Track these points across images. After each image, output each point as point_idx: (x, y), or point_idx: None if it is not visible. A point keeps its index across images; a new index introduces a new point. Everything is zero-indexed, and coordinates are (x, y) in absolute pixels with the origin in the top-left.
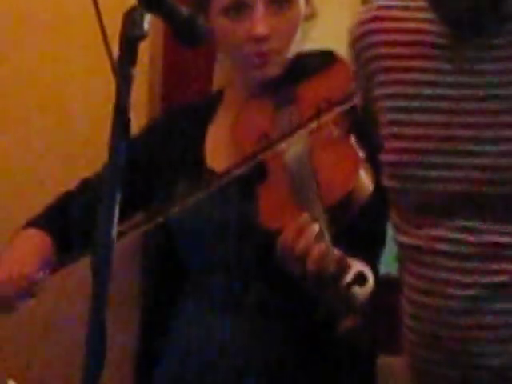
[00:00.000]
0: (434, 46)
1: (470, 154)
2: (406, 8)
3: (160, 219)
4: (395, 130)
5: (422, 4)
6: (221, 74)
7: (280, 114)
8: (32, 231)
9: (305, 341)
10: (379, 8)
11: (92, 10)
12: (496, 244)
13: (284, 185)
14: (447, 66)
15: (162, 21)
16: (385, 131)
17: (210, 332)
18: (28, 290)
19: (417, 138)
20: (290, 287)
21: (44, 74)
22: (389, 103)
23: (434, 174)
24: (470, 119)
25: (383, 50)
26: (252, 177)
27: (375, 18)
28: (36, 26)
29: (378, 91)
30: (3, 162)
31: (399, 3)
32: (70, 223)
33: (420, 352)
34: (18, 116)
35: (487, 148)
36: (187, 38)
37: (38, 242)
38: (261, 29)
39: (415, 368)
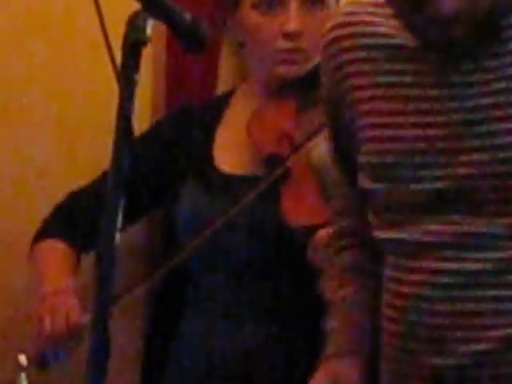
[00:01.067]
0: (404, 48)
1: (457, 151)
2: (375, 14)
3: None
4: (377, 132)
5: (390, 11)
6: (224, 79)
7: (305, 115)
8: (58, 251)
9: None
10: (348, 13)
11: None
12: (474, 234)
13: (311, 185)
14: (425, 67)
15: (165, 26)
16: (365, 133)
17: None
18: (79, 335)
19: (400, 139)
20: (306, 285)
21: (49, 73)
22: (367, 106)
23: (422, 173)
24: (455, 116)
25: (360, 54)
26: (277, 178)
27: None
28: (42, 29)
29: (354, 95)
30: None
31: (367, 9)
32: (85, 227)
33: (396, 341)
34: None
35: (475, 143)
36: (190, 44)
37: (65, 257)
38: (294, 25)
39: (391, 358)
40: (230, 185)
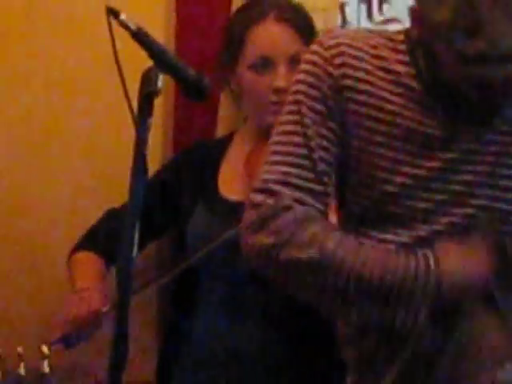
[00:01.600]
0: (413, 90)
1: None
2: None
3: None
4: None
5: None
6: (223, 125)
7: None
8: (89, 260)
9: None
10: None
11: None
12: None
13: None
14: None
15: (171, 80)
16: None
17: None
18: (98, 320)
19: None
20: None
21: (76, 125)
22: (381, 150)
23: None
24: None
25: (365, 76)
26: None
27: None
28: (71, 89)
29: (353, 109)
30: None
31: (378, 40)
32: (113, 243)
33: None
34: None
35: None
36: (194, 94)
37: (95, 265)
38: (282, 82)
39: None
40: (231, 209)
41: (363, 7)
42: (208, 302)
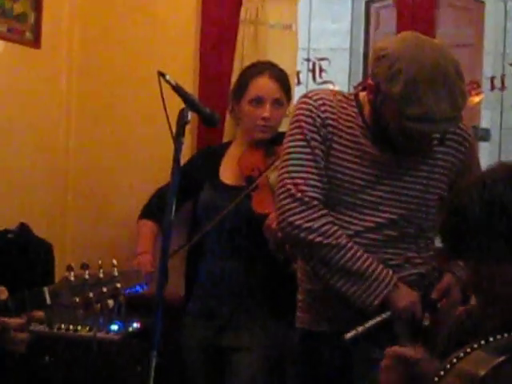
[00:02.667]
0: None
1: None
2: (347, 106)
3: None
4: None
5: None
6: (225, 137)
7: (268, 157)
8: (146, 224)
9: (268, 273)
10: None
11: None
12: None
13: (268, 192)
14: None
15: (196, 114)
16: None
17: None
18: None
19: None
20: (263, 243)
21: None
22: (338, 161)
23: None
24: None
25: (339, 126)
26: (250, 188)
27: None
28: (130, 119)
29: (332, 144)
30: None
31: (342, 104)
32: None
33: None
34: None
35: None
36: (209, 123)
37: (151, 230)
38: (267, 114)
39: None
40: (227, 189)
41: (310, 74)
42: (208, 251)
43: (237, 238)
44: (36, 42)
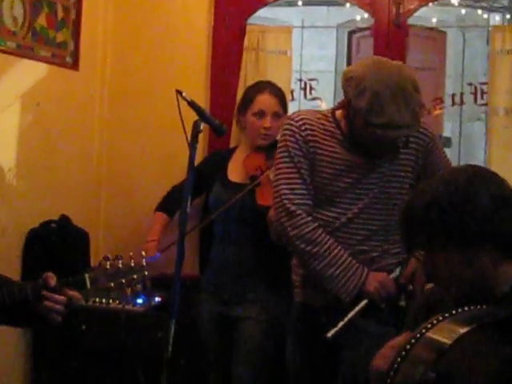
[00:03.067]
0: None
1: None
2: (324, 122)
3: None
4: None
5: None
6: (232, 142)
7: (268, 159)
8: (160, 215)
9: (268, 256)
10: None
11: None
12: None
13: (269, 188)
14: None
15: (207, 125)
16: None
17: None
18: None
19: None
20: (264, 230)
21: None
22: (323, 164)
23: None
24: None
25: (318, 139)
26: (255, 185)
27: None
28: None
29: (315, 156)
30: None
31: (321, 122)
32: (175, 205)
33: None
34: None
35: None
36: (218, 132)
37: (162, 221)
38: (269, 124)
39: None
40: (234, 186)
41: (302, 92)
42: (218, 238)
43: (242, 227)
44: (75, 65)
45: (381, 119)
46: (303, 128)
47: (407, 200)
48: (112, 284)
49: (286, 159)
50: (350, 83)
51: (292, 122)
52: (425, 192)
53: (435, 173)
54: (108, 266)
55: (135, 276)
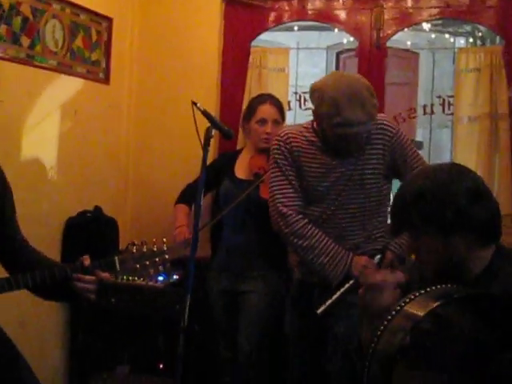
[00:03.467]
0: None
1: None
2: (305, 134)
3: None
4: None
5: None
6: (239, 145)
7: (269, 160)
8: (181, 206)
9: (269, 241)
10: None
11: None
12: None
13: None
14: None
15: (217, 131)
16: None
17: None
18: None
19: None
20: (266, 220)
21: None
22: (307, 169)
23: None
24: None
25: (301, 149)
26: (259, 181)
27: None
28: (171, 135)
29: (301, 163)
30: None
31: (304, 134)
32: (191, 198)
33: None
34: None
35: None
36: (227, 137)
37: (185, 211)
38: (270, 130)
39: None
40: (240, 183)
41: (297, 103)
42: (228, 225)
43: (248, 216)
44: (106, 80)
45: (338, 119)
46: (288, 141)
47: (398, 192)
48: (137, 266)
49: (276, 169)
50: (314, 95)
51: (279, 138)
52: (413, 185)
53: (407, 164)
54: (134, 250)
55: (157, 259)
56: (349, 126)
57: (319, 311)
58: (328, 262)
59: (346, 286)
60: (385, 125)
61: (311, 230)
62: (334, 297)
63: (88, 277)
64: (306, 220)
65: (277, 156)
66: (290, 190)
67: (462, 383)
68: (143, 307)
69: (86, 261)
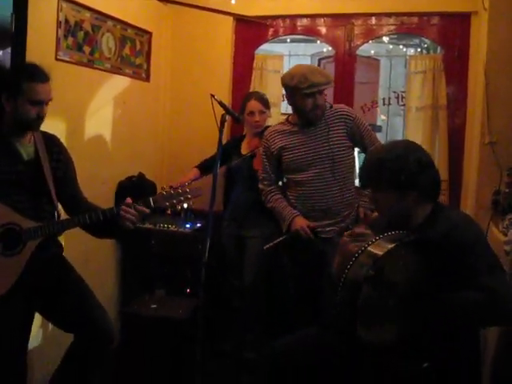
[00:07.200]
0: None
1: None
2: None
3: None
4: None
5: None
6: (245, 130)
7: (260, 140)
8: (195, 170)
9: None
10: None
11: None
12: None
13: (259, 158)
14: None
15: (230, 117)
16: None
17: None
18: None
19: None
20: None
21: (198, 140)
22: (286, 154)
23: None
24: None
25: (281, 142)
26: (252, 155)
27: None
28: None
29: (280, 152)
30: None
31: (284, 128)
32: (206, 167)
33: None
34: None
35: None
36: (237, 121)
37: (195, 173)
38: (257, 119)
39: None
40: (245, 157)
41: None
42: (234, 186)
43: (248, 180)
44: (147, 79)
45: (305, 84)
46: (271, 140)
47: (364, 160)
48: (167, 203)
49: (264, 157)
50: (285, 77)
51: (265, 138)
52: (377, 155)
53: (364, 140)
54: (164, 192)
55: (182, 198)
56: (314, 86)
57: (265, 248)
58: (281, 218)
59: (286, 236)
60: (346, 111)
61: (274, 197)
62: (277, 240)
63: (130, 209)
64: (272, 190)
65: (262, 152)
66: (267, 175)
67: (406, 304)
68: (175, 247)
69: (128, 200)
